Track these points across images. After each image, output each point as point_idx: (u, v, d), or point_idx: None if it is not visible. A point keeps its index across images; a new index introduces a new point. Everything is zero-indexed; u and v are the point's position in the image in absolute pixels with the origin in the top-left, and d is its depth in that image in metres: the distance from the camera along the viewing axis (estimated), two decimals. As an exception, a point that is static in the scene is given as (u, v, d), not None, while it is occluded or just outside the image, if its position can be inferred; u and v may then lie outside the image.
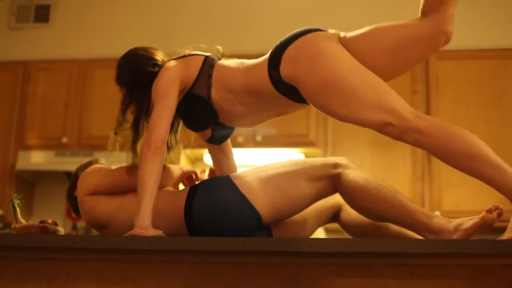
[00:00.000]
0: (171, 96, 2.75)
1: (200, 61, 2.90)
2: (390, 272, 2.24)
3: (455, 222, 2.47)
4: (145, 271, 2.35)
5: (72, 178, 3.34)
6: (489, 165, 2.34)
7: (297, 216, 2.87)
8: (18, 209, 3.02)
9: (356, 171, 2.74)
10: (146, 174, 2.58)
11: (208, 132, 2.95)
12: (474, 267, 2.22)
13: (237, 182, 2.72)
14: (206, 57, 2.94)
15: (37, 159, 6.32)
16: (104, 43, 6.64)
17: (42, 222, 2.93)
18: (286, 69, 2.60)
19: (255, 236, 2.63)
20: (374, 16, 6.33)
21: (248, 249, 2.11)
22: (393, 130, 2.40)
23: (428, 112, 5.80)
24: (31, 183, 6.63)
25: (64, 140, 6.33)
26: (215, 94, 2.79)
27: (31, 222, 2.96)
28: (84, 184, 3.02)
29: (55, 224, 2.95)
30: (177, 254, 2.27)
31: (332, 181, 2.74)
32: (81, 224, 6.43)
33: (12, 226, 2.90)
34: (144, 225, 2.41)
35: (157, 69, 2.91)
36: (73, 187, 3.23)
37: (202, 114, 2.85)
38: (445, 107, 5.85)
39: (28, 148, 6.38)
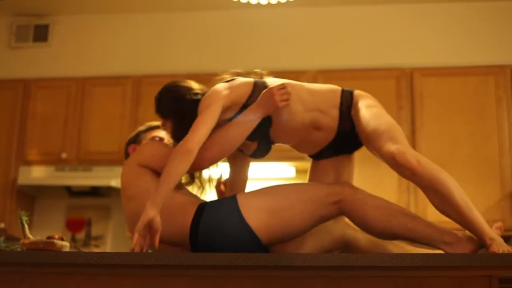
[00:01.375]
0: (214, 109, 2.86)
1: (250, 83, 3.04)
2: (375, 284, 2.39)
3: (466, 233, 2.73)
4: (151, 285, 2.48)
5: (135, 134, 3.62)
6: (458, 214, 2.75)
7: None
8: (26, 225, 3.12)
9: (362, 194, 2.87)
10: (172, 170, 2.73)
11: (253, 145, 3.08)
12: (454, 278, 2.37)
13: (242, 206, 2.83)
14: (255, 81, 3.06)
15: (38, 174, 6.40)
16: (101, 62, 6.73)
17: (49, 237, 3.03)
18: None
19: None
20: (370, 35, 6.52)
21: (247, 263, 2.26)
22: None
23: (413, 127, 5.97)
24: (31, 197, 6.72)
25: (64, 155, 6.40)
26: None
27: (38, 237, 3.08)
28: (139, 155, 3.14)
29: (62, 239, 3.07)
30: (181, 268, 2.42)
31: (338, 207, 2.85)
32: (80, 235, 6.57)
33: (21, 241, 2.98)
34: (151, 214, 2.60)
35: (199, 96, 3.02)
36: (132, 141, 3.54)
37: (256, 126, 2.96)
38: (429, 122, 5.98)
39: (28, 163, 6.45)
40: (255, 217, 2.81)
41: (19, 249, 3.00)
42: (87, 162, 6.39)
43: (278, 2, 3.93)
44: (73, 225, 6.65)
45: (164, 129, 3.36)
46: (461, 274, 2.35)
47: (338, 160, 3.16)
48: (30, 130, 6.56)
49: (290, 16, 6.46)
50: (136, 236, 2.58)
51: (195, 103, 2.99)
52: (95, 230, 6.62)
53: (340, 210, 2.86)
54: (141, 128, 3.96)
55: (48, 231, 4.81)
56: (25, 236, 3.05)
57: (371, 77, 6.21)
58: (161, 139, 3.76)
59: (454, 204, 2.75)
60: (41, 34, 6.88)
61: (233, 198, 2.90)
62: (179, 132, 3.01)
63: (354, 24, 6.54)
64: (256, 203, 2.86)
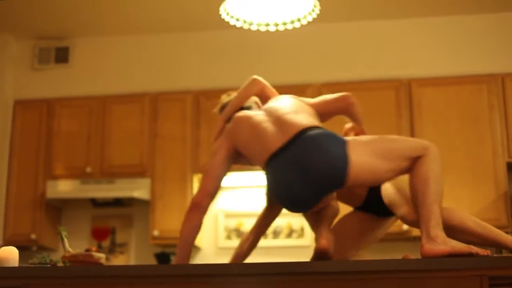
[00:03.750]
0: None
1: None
2: (380, 285, 2.64)
3: None
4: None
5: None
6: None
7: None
8: (66, 240, 3.32)
9: (435, 161, 2.92)
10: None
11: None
12: (449, 278, 2.62)
13: (349, 141, 2.89)
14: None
15: (64, 187, 6.57)
16: (119, 80, 6.90)
17: (88, 250, 3.26)
18: None
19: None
20: (370, 48, 6.66)
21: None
22: None
23: (412, 133, 6.12)
24: (58, 209, 6.89)
25: (88, 169, 6.58)
26: None
27: (78, 250, 3.31)
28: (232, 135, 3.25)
29: (98, 251, 3.30)
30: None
31: (414, 162, 2.89)
32: (105, 243, 6.77)
33: (63, 255, 3.19)
34: None
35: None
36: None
37: None
38: (428, 129, 6.12)
39: (55, 177, 6.62)
40: (357, 153, 2.84)
41: (61, 263, 3.22)
42: (110, 175, 6.57)
43: (284, 23, 4.12)
44: (98, 234, 6.84)
45: None
46: (456, 275, 2.60)
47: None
48: (55, 146, 6.72)
49: (295, 33, 6.61)
50: None
51: None
52: (119, 238, 6.82)
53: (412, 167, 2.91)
54: None
55: (76, 240, 5.07)
56: (65, 249, 3.27)
57: (372, 88, 6.37)
58: None
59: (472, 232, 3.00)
60: (62, 56, 7.03)
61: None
62: None
63: (355, 38, 6.72)
64: (362, 143, 2.92)
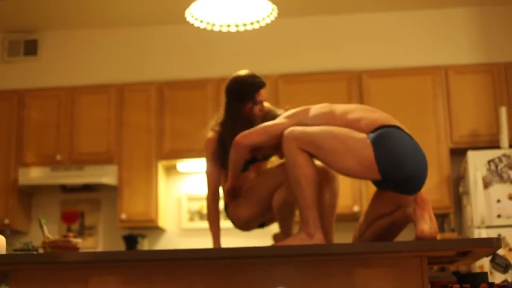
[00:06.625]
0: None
1: None
2: (333, 265, 2.88)
3: None
4: (155, 273, 2.94)
5: None
6: None
7: None
8: (45, 227, 3.47)
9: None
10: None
11: None
12: (393, 258, 2.86)
13: None
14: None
15: (35, 174, 6.66)
16: (87, 72, 6.99)
17: (65, 236, 3.42)
18: None
19: None
20: (323, 42, 6.80)
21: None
22: None
23: (363, 122, 6.32)
24: (30, 195, 6.99)
25: (58, 157, 6.67)
26: None
27: (57, 237, 3.46)
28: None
29: (75, 237, 3.45)
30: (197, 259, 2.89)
31: None
32: (75, 226, 6.90)
33: (42, 240, 3.31)
34: None
35: None
36: None
37: None
38: None
39: (27, 165, 6.70)
40: None
41: (41, 248, 3.36)
42: (79, 162, 6.68)
43: (244, 24, 4.31)
44: (68, 218, 6.95)
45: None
46: (400, 256, 2.84)
47: None
48: (26, 135, 6.80)
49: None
50: None
51: None
52: (88, 221, 6.95)
53: None
54: None
55: (46, 224, 5.19)
56: (44, 236, 3.42)
57: (325, 79, 6.59)
58: None
59: None
60: (31, 48, 7.10)
61: None
62: None
63: (309, 33, 6.90)
64: None
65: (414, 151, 3.08)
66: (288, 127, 3.22)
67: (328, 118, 3.24)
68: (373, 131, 3.07)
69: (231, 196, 3.68)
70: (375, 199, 3.29)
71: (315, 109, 3.35)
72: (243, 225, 3.79)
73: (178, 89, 6.77)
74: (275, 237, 3.93)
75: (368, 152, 2.99)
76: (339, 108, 3.31)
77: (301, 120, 3.29)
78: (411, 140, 3.11)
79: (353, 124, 3.15)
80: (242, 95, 3.63)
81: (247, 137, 3.32)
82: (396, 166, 3.00)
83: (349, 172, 3.12)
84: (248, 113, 3.61)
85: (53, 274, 3.01)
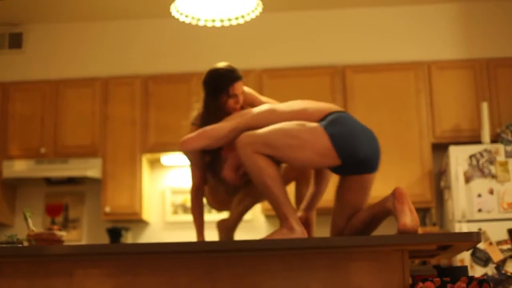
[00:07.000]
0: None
1: None
2: (317, 258, 2.90)
3: None
4: (139, 266, 2.95)
5: None
6: None
7: None
8: (30, 220, 3.49)
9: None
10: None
11: None
12: (375, 252, 2.89)
13: None
14: None
15: (20, 167, 6.64)
16: (72, 65, 6.97)
17: (50, 229, 3.43)
18: None
19: None
20: (307, 37, 6.81)
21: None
22: None
23: (346, 116, 6.35)
24: (14, 187, 6.98)
25: (42, 150, 6.66)
26: None
27: (42, 230, 3.46)
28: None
29: (60, 229, 3.46)
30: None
31: None
32: (59, 219, 6.89)
33: (27, 233, 3.33)
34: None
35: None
36: None
37: None
38: (360, 113, 6.12)
39: (11, 158, 6.68)
40: None
41: (26, 241, 3.36)
42: (64, 155, 6.67)
43: (229, 19, 4.32)
44: (52, 210, 6.96)
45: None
46: (382, 250, 2.87)
47: None
48: (11, 128, 6.77)
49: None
50: None
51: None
52: (72, 214, 6.95)
53: None
54: None
55: (31, 217, 5.18)
56: (29, 228, 3.43)
57: (309, 74, 6.62)
58: None
59: None
60: (15, 41, 7.07)
61: None
62: None
63: (293, 27, 6.91)
64: None
65: (365, 132, 3.20)
66: (230, 129, 3.31)
67: (274, 115, 3.28)
68: (322, 119, 3.14)
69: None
70: (342, 189, 3.33)
71: (256, 109, 3.41)
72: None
73: (162, 83, 6.77)
74: (219, 223, 3.95)
75: (324, 140, 3.04)
76: (281, 105, 3.41)
77: (243, 120, 3.35)
78: (358, 122, 3.23)
79: (301, 114, 3.22)
80: (217, 88, 3.62)
81: (186, 142, 3.39)
82: (353, 148, 3.08)
83: (309, 164, 3.21)
84: (223, 106, 3.60)
85: (38, 267, 3.02)
